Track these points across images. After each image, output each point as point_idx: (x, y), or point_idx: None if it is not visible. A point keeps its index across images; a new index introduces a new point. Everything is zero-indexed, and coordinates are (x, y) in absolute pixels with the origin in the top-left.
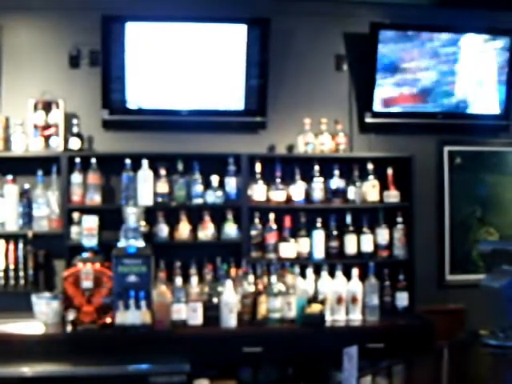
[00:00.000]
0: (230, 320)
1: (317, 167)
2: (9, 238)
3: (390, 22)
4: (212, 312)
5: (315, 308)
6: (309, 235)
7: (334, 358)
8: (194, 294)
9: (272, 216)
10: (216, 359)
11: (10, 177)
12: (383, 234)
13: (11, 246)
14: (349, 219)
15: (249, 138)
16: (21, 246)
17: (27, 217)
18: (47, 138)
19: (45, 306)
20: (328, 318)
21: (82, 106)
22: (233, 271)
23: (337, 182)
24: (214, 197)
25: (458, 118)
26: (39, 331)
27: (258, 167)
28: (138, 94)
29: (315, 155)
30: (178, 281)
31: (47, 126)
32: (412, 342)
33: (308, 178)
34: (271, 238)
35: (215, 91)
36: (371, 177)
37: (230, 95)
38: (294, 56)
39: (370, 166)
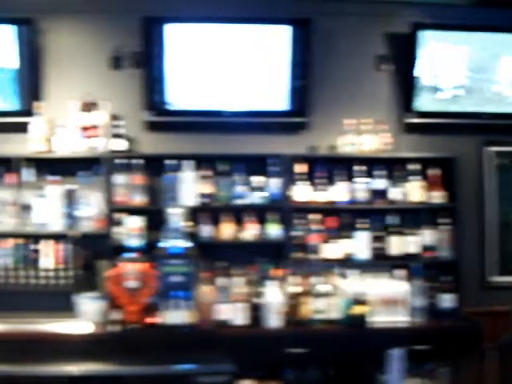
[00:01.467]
0: (274, 321)
1: (359, 168)
2: (54, 238)
3: (431, 21)
4: (255, 312)
5: (359, 309)
6: (351, 236)
7: (378, 359)
8: (237, 295)
9: (315, 217)
10: (260, 360)
11: (54, 178)
12: (428, 235)
13: (56, 246)
14: (393, 220)
15: (291, 138)
16: (65, 246)
17: (71, 217)
18: (91, 139)
19: (90, 306)
20: (373, 319)
21: (124, 108)
22: (276, 272)
23: (380, 183)
24: (256, 197)
25: (501, 118)
26: (84, 331)
27: (300, 168)
28: (181, 95)
29: (357, 155)
30: (222, 281)
31: (91, 128)
32: (458, 344)
33: (351, 179)
34: (314, 239)
35: (258, 92)
36: (415, 177)
37: (273, 96)
38: (335, 56)
39: (413, 167)
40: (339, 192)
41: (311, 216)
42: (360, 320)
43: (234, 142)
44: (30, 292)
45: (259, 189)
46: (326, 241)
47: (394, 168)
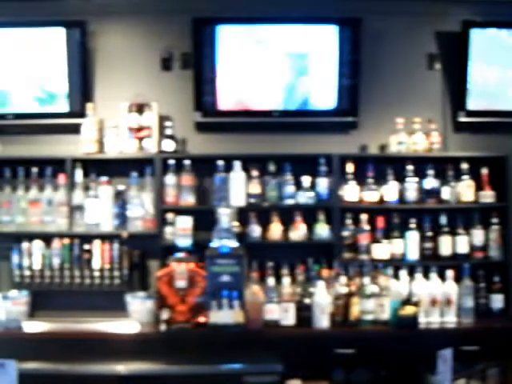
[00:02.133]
0: (323, 321)
1: (410, 167)
2: (104, 238)
3: (482, 19)
4: (304, 313)
5: (409, 310)
6: (402, 236)
7: (428, 360)
8: (286, 295)
9: (364, 217)
10: (308, 360)
11: (104, 178)
12: (478, 235)
13: (106, 246)
14: (443, 220)
15: (340, 138)
16: (116, 246)
17: (122, 217)
18: (141, 140)
19: (139, 306)
20: (422, 320)
21: (174, 109)
22: (325, 272)
23: (431, 182)
24: (305, 197)
25: None
26: (134, 330)
27: (349, 167)
28: (230, 96)
29: (408, 155)
30: (271, 281)
31: (141, 128)
32: (507, 345)
33: (401, 178)
34: (364, 239)
35: (307, 91)
36: (466, 177)
37: (322, 95)
38: (386, 55)
39: (465, 166)
40: (389, 191)
41: (361, 216)
42: (410, 321)
43: (283, 142)
44: (81, 291)
45: (308, 189)
46: (375, 241)
47: (444, 167)
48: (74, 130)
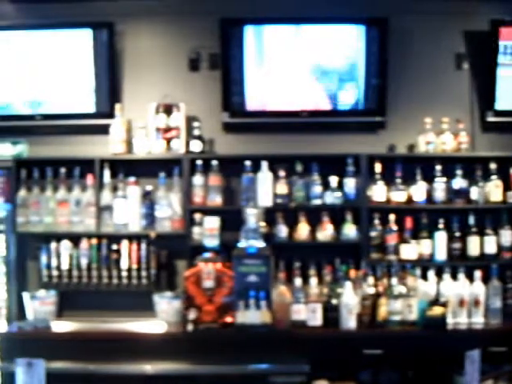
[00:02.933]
0: (350, 321)
1: (438, 167)
2: (132, 238)
3: (511, 18)
4: (331, 313)
5: (437, 311)
6: (430, 236)
7: (456, 361)
8: (313, 295)
9: (392, 217)
10: (335, 360)
11: (132, 179)
12: (507, 236)
13: (134, 246)
14: (472, 220)
15: (368, 137)
16: (144, 246)
17: (150, 218)
18: (169, 141)
19: (166, 305)
20: (450, 320)
21: (202, 109)
22: (352, 272)
23: (459, 182)
24: (332, 197)
25: None
26: (161, 330)
27: (377, 167)
28: (258, 97)
29: (437, 155)
30: (298, 281)
31: (169, 129)
32: None
33: (429, 178)
34: (391, 239)
35: (333, 91)
36: (494, 177)
37: (349, 95)
38: (414, 55)
39: (493, 166)
40: (417, 192)
41: (389, 216)
42: (438, 321)
43: (310, 142)
44: (109, 291)
45: (336, 189)
46: (403, 241)
47: (472, 167)
48: (103, 130)
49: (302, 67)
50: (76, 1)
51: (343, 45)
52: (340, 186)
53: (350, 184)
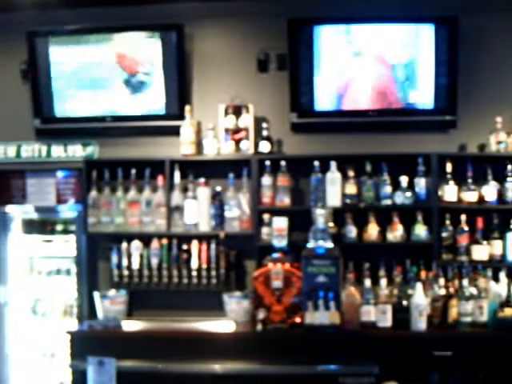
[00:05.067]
0: (420, 323)
1: (510, 167)
2: (202, 238)
3: None
4: (401, 314)
5: (508, 312)
6: (502, 237)
7: None
8: (383, 296)
9: (463, 217)
10: (405, 362)
11: (202, 179)
12: None
13: (204, 246)
14: None
15: (438, 137)
16: (213, 246)
17: (219, 218)
18: (238, 142)
19: (236, 305)
20: None
21: (270, 110)
22: (423, 273)
23: None
24: (403, 198)
25: None
26: (230, 329)
27: (448, 167)
28: (326, 97)
29: (508, 154)
30: (367, 282)
31: (238, 130)
32: None
33: (501, 178)
34: (463, 240)
35: (403, 91)
36: None
37: (419, 94)
38: (484, 53)
39: None
40: (489, 192)
41: (460, 216)
42: (510, 323)
43: (379, 142)
44: (179, 291)
45: (406, 189)
46: (474, 242)
47: None
48: (172, 131)
49: (370, 66)
50: (145, 4)
51: (413, 44)
52: (410, 186)
53: (421, 184)
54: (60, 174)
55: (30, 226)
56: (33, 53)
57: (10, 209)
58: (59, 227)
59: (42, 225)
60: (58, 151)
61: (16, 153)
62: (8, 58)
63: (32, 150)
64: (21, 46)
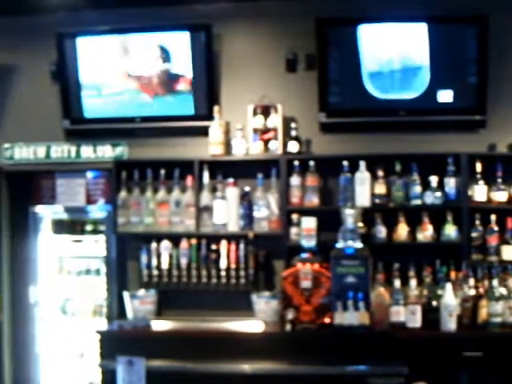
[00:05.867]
0: (450, 323)
1: None
2: (230, 238)
3: None
4: (431, 315)
5: None
6: None
7: None
8: (412, 297)
9: (493, 217)
10: (434, 362)
11: (231, 180)
12: None
13: (233, 246)
14: None
15: (468, 136)
16: (242, 246)
17: (248, 218)
18: (266, 142)
19: (264, 305)
20: None
21: (299, 110)
22: (452, 274)
23: None
24: (432, 197)
25: None
26: (259, 329)
27: (478, 167)
28: (355, 96)
29: None
30: (397, 283)
31: (266, 130)
32: None
33: None
34: (493, 240)
35: (432, 90)
36: None
37: (448, 94)
38: None
39: None
40: None
41: (490, 216)
42: None
43: (409, 141)
44: (208, 291)
45: (436, 189)
46: (504, 242)
47: None
48: (201, 132)
49: (398, 65)
50: (173, 4)
51: (441, 42)
52: (440, 186)
53: (451, 184)
54: (89, 174)
55: (60, 226)
56: (62, 54)
57: (39, 209)
58: (89, 227)
59: (72, 225)
60: (87, 152)
61: (46, 153)
62: (38, 59)
63: (61, 151)
64: (50, 47)
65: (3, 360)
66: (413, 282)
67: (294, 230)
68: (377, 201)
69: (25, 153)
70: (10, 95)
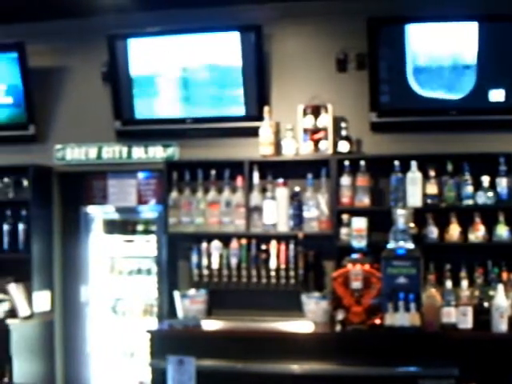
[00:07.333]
0: (501, 325)
1: None
2: (280, 238)
3: None
4: (482, 316)
5: None
6: None
7: None
8: (464, 298)
9: None
10: (485, 364)
11: (281, 180)
12: None
13: (283, 247)
14: None
15: None
16: (292, 246)
17: (298, 218)
18: (316, 142)
19: (314, 306)
20: None
21: (349, 110)
22: (504, 275)
23: None
24: (484, 198)
25: None
26: (309, 330)
27: None
28: (405, 96)
29: None
30: (448, 284)
31: (316, 130)
32: None
33: None
34: None
35: (483, 89)
36: None
37: (499, 93)
38: None
39: None
40: None
41: None
42: None
43: (461, 141)
44: (258, 291)
45: (488, 189)
46: None
47: None
48: (252, 132)
49: (446, 64)
50: (224, 5)
51: (494, 42)
52: (492, 186)
53: (503, 184)
54: (141, 175)
55: (111, 227)
56: (113, 55)
57: (91, 209)
58: (140, 227)
59: (123, 225)
60: (138, 152)
61: (97, 154)
62: (89, 61)
63: (113, 152)
64: (101, 49)
65: (55, 359)
66: (464, 283)
67: (344, 231)
68: (428, 201)
69: (76, 154)
70: (62, 97)
